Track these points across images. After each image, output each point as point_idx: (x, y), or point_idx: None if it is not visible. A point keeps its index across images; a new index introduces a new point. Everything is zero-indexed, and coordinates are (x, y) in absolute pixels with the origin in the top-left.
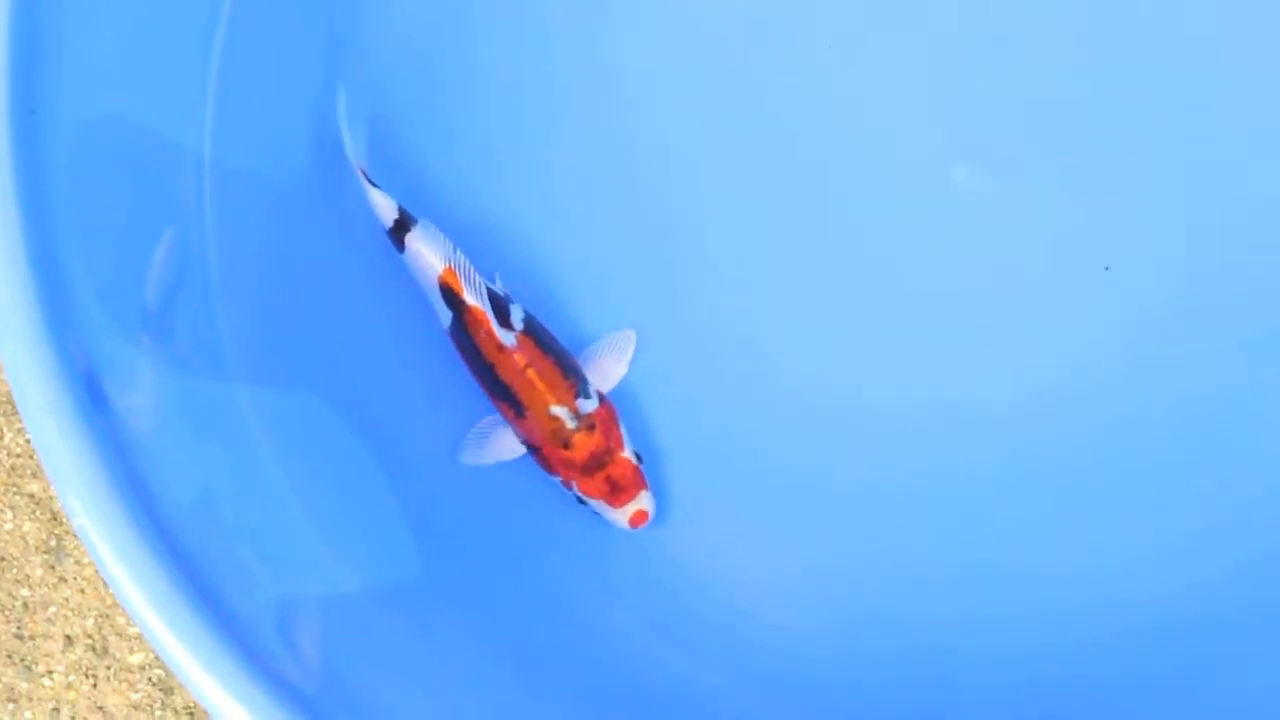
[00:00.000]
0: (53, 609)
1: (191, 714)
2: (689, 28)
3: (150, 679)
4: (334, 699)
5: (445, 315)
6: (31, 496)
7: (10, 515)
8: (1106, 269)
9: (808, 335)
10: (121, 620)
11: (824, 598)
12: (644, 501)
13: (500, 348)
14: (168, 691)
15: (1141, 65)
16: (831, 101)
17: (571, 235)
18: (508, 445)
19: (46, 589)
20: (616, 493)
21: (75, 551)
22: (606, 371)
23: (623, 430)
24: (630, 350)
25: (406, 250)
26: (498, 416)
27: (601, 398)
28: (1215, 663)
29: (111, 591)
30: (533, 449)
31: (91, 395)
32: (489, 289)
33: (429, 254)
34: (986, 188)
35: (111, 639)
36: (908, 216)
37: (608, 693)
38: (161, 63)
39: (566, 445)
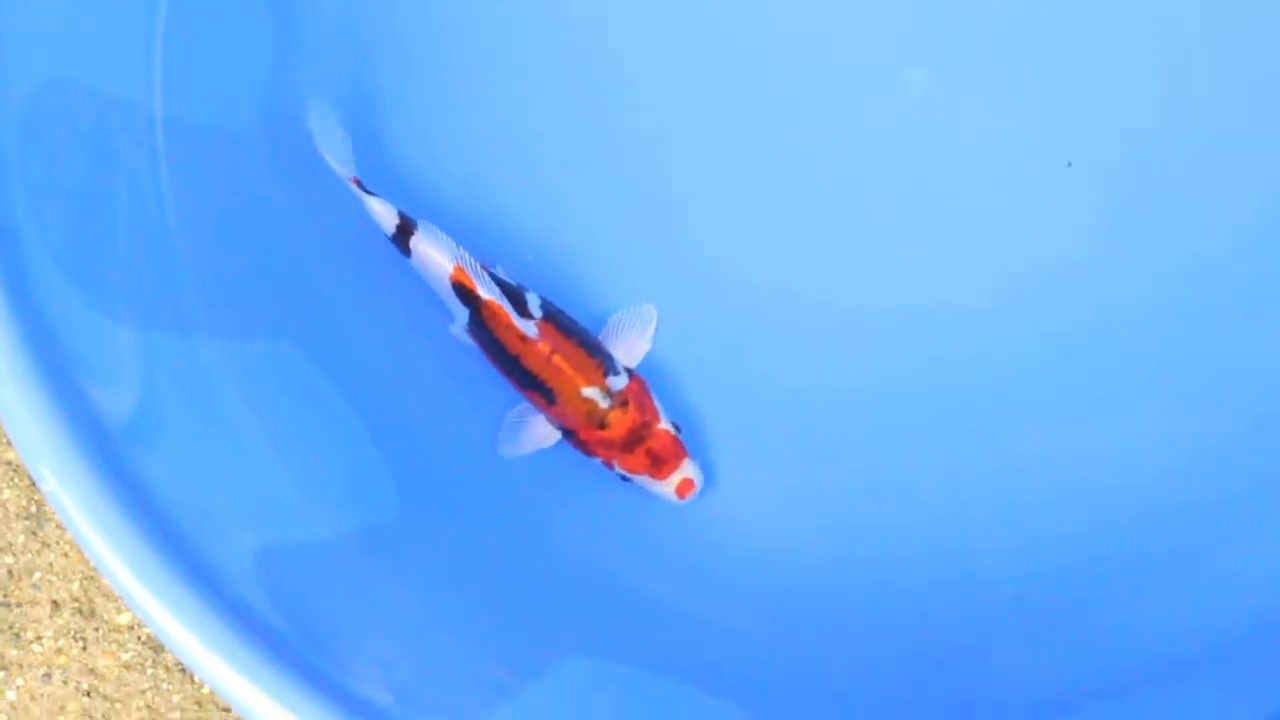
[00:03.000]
0: (37, 574)
1: (183, 669)
2: None
3: (139, 638)
4: (315, 645)
5: (461, 313)
6: (9, 464)
7: None
8: (1069, 165)
9: (784, 245)
10: (106, 582)
11: (817, 509)
12: (688, 470)
13: (523, 338)
14: (158, 649)
15: None
16: (788, 10)
17: (548, 191)
18: (543, 432)
19: (30, 555)
20: (659, 465)
21: (56, 516)
22: (630, 346)
23: (656, 401)
24: (653, 324)
25: (413, 254)
26: (527, 405)
27: (630, 372)
28: (1208, 545)
29: None
30: (568, 434)
31: (53, 358)
32: (501, 281)
33: (436, 255)
34: (945, 91)
35: (98, 600)
36: (868, 124)
37: (590, 624)
38: (106, 22)
39: (603, 425)
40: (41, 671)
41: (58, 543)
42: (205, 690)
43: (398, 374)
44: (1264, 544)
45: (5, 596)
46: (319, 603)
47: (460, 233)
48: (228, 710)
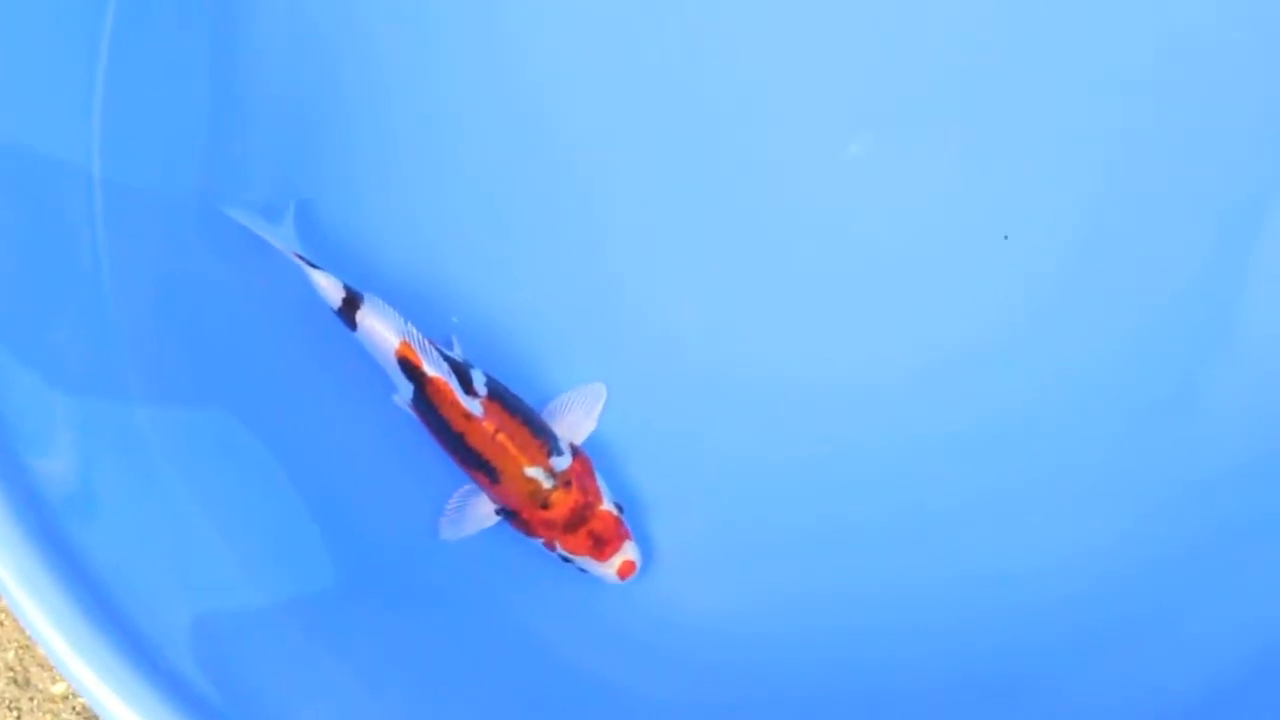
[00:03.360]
0: None
1: None
2: (584, 13)
3: (74, 708)
4: (250, 717)
5: (406, 388)
6: None
7: None
8: (1005, 238)
9: (723, 318)
10: (41, 651)
11: (757, 581)
12: (629, 552)
13: (467, 416)
14: (93, 719)
15: (1033, 35)
16: (728, 81)
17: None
18: (484, 512)
19: None
20: (600, 547)
21: None
22: (575, 425)
23: (600, 482)
24: (600, 403)
25: (359, 328)
26: (472, 486)
27: (575, 451)
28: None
29: None
30: (510, 515)
31: None
32: (448, 357)
33: (382, 329)
34: (883, 162)
35: (33, 670)
36: (806, 194)
37: (532, 702)
38: (44, 81)
39: (545, 505)
40: None
41: None
42: None
43: (337, 443)
44: (1188, 620)
45: None
46: (254, 674)
47: (403, 304)
48: None
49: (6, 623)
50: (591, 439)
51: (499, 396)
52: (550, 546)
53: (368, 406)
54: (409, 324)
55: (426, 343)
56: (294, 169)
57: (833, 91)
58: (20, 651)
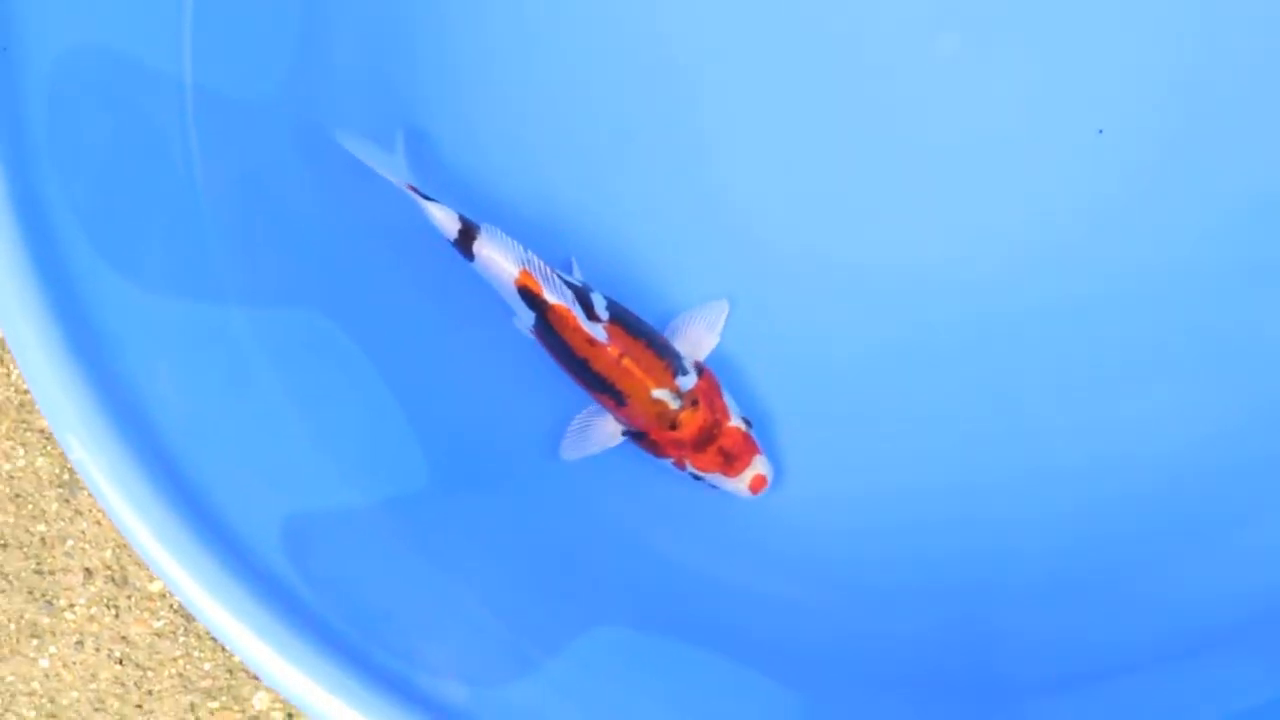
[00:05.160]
0: (70, 542)
1: (214, 638)
2: None
3: (171, 606)
4: (342, 615)
5: (527, 316)
6: (42, 432)
7: (22, 452)
8: (1100, 132)
9: (828, 220)
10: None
11: (850, 476)
12: (760, 466)
13: (591, 342)
14: (190, 618)
15: None
16: None
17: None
18: (609, 432)
19: (63, 523)
20: (731, 463)
21: (89, 488)
22: (698, 342)
23: (726, 398)
24: (722, 319)
25: (476, 259)
26: (592, 409)
27: (700, 369)
28: (1233, 517)
29: None
30: (638, 436)
31: (81, 327)
32: (568, 282)
33: (501, 259)
34: (975, 56)
35: (130, 569)
36: (898, 91)
37: (618, 593)
38: None
39: (674, 426)
40: (74, 639)
41: (90, 510)
42: (237, 659)
43: (429, 344)
44: (1264, 523)
45: (39, 564)
46: (346, 573)
47: (517, 232)
48: (259, 679)
49: (103, 522)
50: (715, 354)
51: (621, 319)
52: (680, 466)
53: (458, 307)
54: (529, 251)
55: (548, 269)
56: (388, 80)
57: None
58: (117, 550)
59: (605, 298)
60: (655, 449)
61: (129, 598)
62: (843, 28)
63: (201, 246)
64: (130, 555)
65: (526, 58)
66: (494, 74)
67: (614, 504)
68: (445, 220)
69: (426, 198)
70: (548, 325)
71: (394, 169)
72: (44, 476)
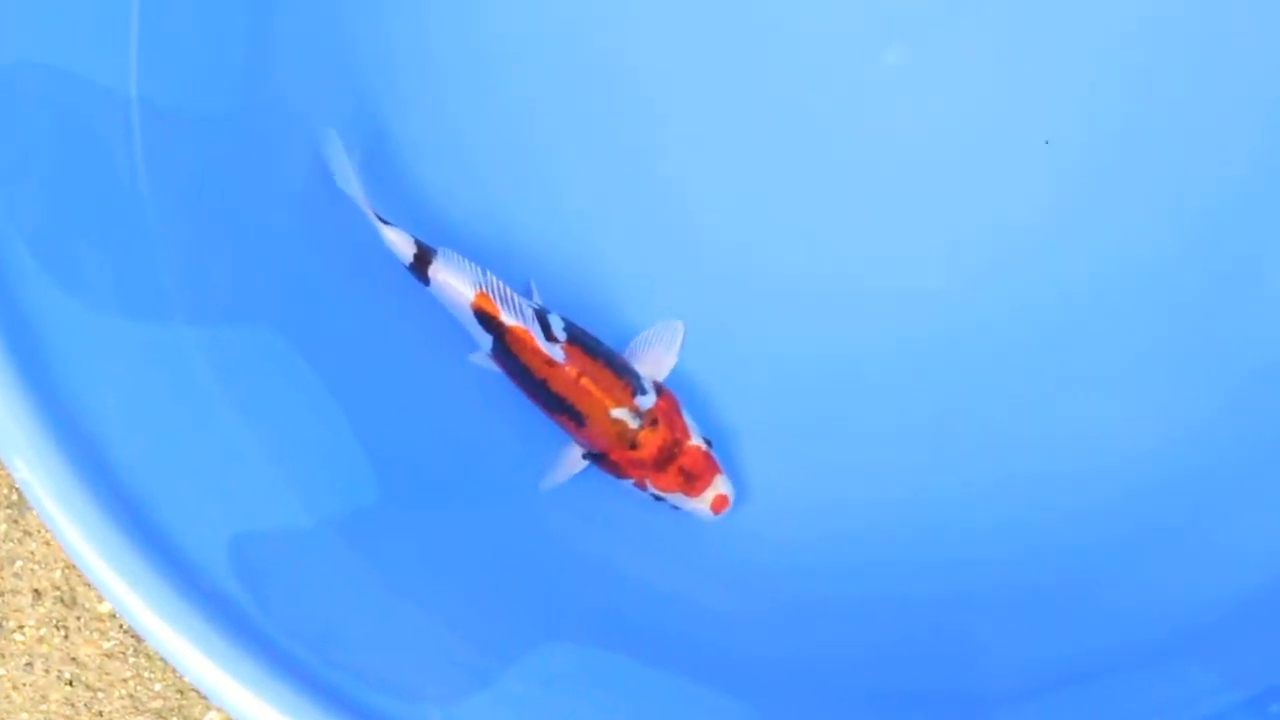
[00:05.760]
0: (19, 563)
1: (165, 659)
2: None
3: (121, 626)
4: (292, 633)
5: (485, 339)
6: None
7: None
8: (1047, 143)
9: (759, 225)
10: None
11: (809, 488)
12: (721, 485)
13: (549, 362)
14: (139, 639)
15: None
16: None
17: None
18: (573, 458)
19: (11, 544)
20: (691, 482)
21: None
22: (657, 362)
23: (686, 417)
24: (679, 339)
25: (432, 283)
26: (563, 437)
27: (659, 389)
28: (1189, 522)
29: None
30: (599, 457)
31: (26, 345)
32: (525, 304)
33: (456, 283)
34: (921, 69)
35: (80, 589)
36: (847, 104)
37: (574, 610)
38: (79, 3)
39: (633, 445)
40: (24, 660)
41: (39, 531)
42: (187, 679)
43: (380, 361)
44: (1245, 520)
45: None
46: (296, 592)
47: (472, 256)
48: (209, 700)
49: (53, 542)
50: (674, 375)
51: (579, 340)
52: (641, 486)
53: (406, 321)
54: (487, 272)
55: (506, 290)
56: (336, 100)
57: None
58: (66, 570)
59: (563, 319)
60: (616, 470)
61: (79, 619)
62: (792, 41)
63: (149, 263)
64: (79, 576)
65: (477, 78)
66: (445, 94)
67: (567, 520)
68: (401, 244)
69: (384, 221)
70: (505, 348)
71: (353, 185)
72: None
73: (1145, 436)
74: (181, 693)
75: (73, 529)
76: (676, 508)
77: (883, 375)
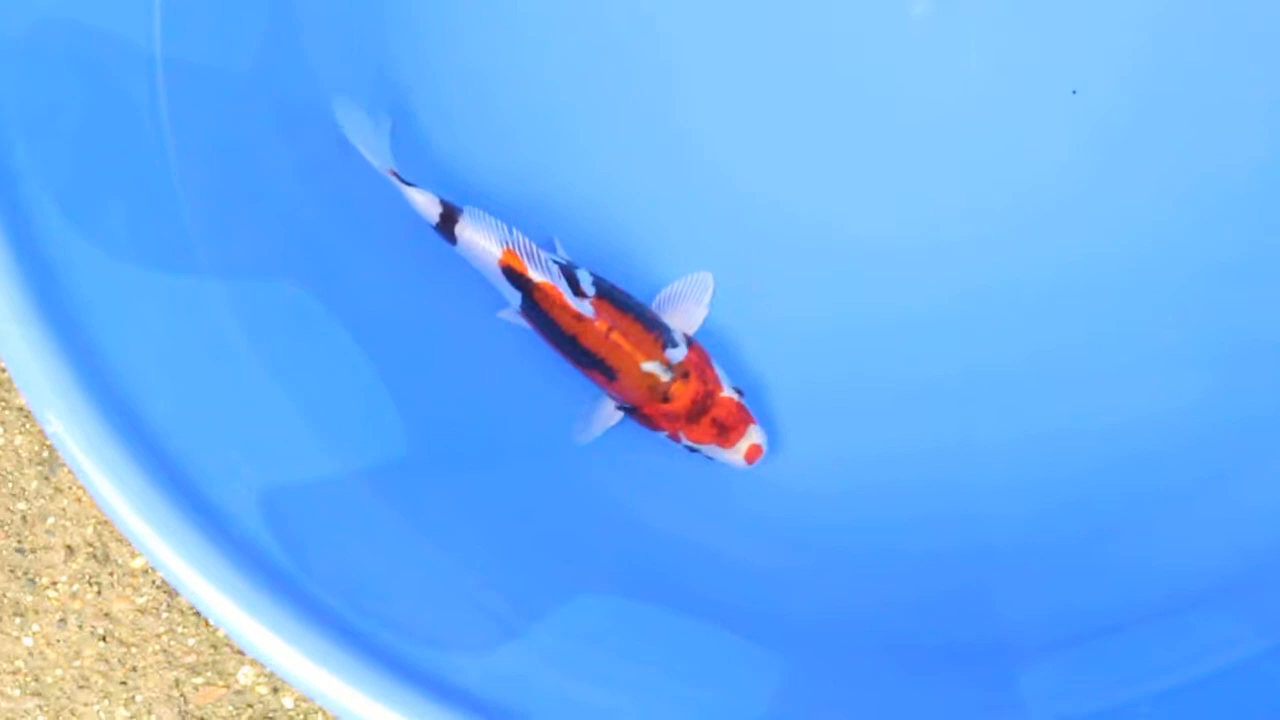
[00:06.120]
0: (51, 520)
1: (198, 613)
2: None
3: (154, 582)
4: (324, 584)
5: (513, 296)
6: (21, 409)
7: (1, 430)
8: (1074, 93)
9: (785, 178)
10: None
11: (822, 442)
12: (754, 435)
13: (578, 318)
14: (173, 593)
15: None
16: None
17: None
18: (608, 412)
19: (43, 500)
20: (725, 433)
21: (68, 463)
22: (688, 315)
23: (718, 369)
24: (709, 290)
25: (459, 242)
26: (596, 390)
27: (689, 341)
28: (1214, 479)
29: None
30: (632, 410)
31: (57, 300)
32: (553, 260)
33: (483, 241)
34: (946, 21)
35: (112, 545)
36: (872, 57)
37: (603, 560)
38: None
39: (666, 398)
40: (57, 617)
41: (70, 487)
42: (220, 634)
43: (406, 311)
44: (1266, 477)
45: (20, 542)
46: (328, 542)
47: (498, 214)
48: (243, 653)
49: (84, 499)
50: (706, 326)
51: (608, 295)
52: (675, 438)
53: (433, 273)
54: (513, 230)
55: (533, 247)
56: (361, 59)
57: None
58: (99, 526)
59: (591, 274)
60: (649, 423)
61: (111, 574)
62: None
63: (175, 218)
64: (112, 532)
65: (500, 35)
66: (468, 53)
67: (599, 472)
68: (426, 205)
69: (407, 183)
70: (535, 304)
71: (377, 152)
72: (23, 454)
73: (1171, 392)
74: (215, 647)
75: (104, 481)
76: (711, 459)
77: (909, 329)
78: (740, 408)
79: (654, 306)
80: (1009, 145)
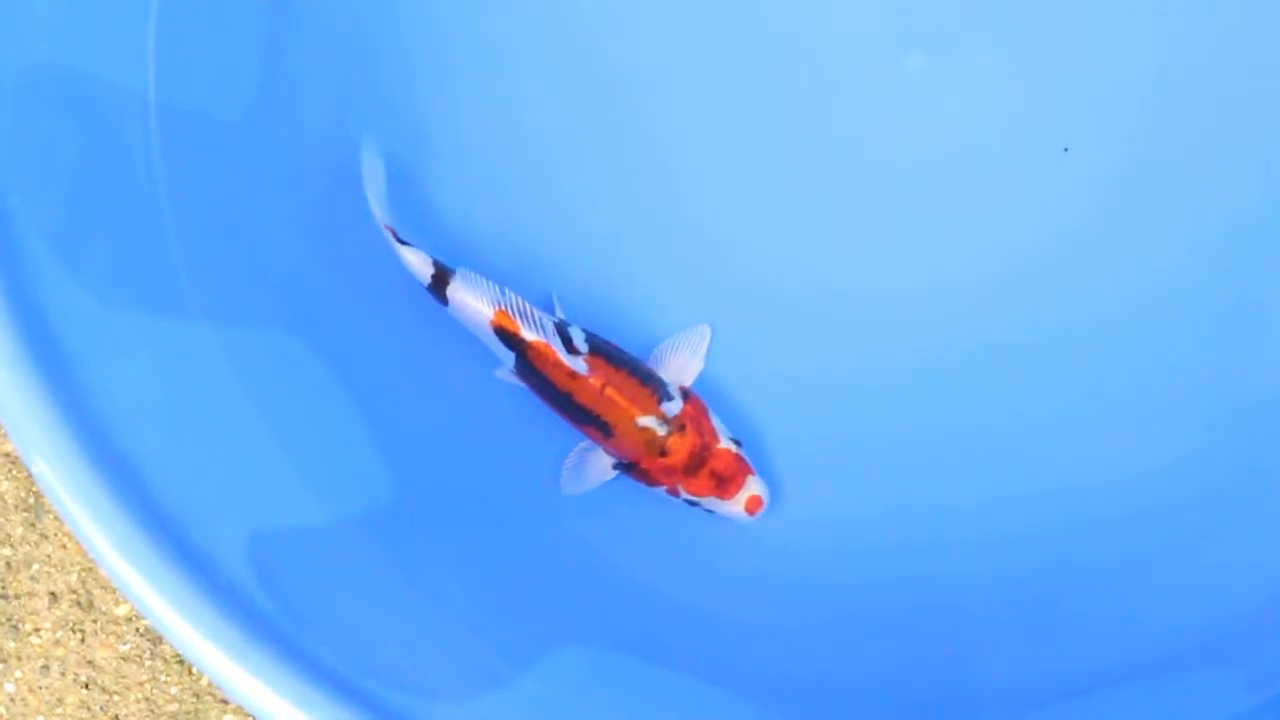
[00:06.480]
0: (35, 566)
1: (181, 661)
2: None
3: (138, 629)
4: (310, 631)
5: (507, 357)
6: (7, 455)
7: None
8: (1065, 150)
9: (779, 231)
10: (104, 573)
11: (800, 492)
12: (754, 486)
13: (572, 375)
14: (156, 641)
15: None
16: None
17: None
18: (603, 466)
19: (28, 547)
20: (724, 485)
21: (55, 508)
22: (683, 368)
23: (715, 420)
24: (705, 343)
25: (451, 303)
26: (587, 442)
27: (685, 394)
28: (1196, 539)
29: None
30: (630, 467)
31: (47, 343)
32: (547, 319)
33: (475, 302)
34: (941, 75)
35: (96, 592)
36: (866, 111)
37: (590, 614)
38: (100, 6)
39: (663, 452)
40: (40, 664)
41: (56, 534)
42: (204, 682)
43: (397, 362)
44: (1249, 538)
45: (4, 588)
46: (313, 588)
47: (490, 269)
48: (225, 703)
49: (69, 545)
50: (700, 379)
51: (601, 351)
52: (674, 493)
53: (422, 322)
54: (505, 289)
55: (525, 305)
56: (350, 100)
57: (891, 3)
58: (83, 574)
59: (584, 330)
60: (647, 478)
61: (95, 622)
62: (812, 49)
63: (166, 263)
64: (96, 579)
65: (493, 92)
66: (463, 108)
67: (587, 526)
68: (419, 265)
69: (402, 241)
70: (528, 363)
71: (380, 205)
72: (9, 500)
73: (1152, 451)
74: (197, 695)
75: (90, 524)
76: (711, 511)
77: (900, 384)
78: (738, 459)
79: (650, 361)
80: (1001, 201)
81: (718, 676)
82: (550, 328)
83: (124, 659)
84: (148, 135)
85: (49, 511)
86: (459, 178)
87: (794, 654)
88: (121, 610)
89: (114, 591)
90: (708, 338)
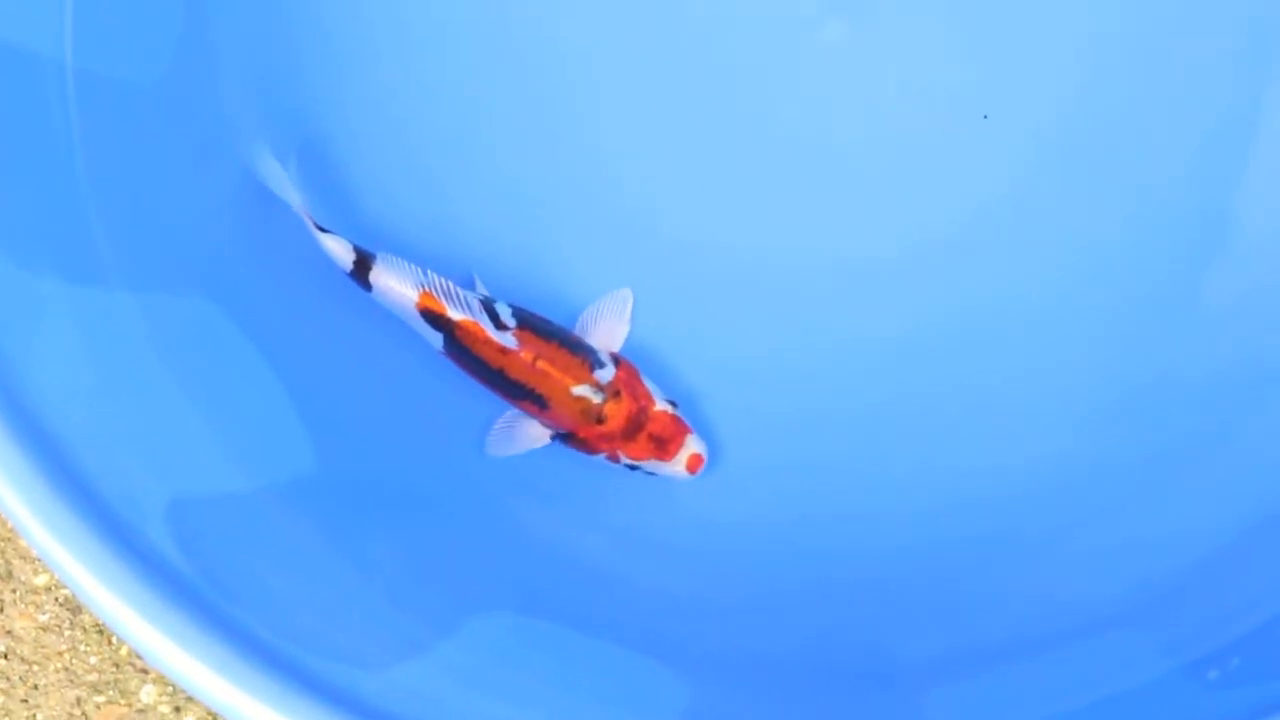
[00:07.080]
0: None
1: (100, 631)
2: None
3: (57, 599)
4: (230, 597)
5: (435, 339)
6: None
7: None
8: (985, 117)
9: (698, 200)
10: (24, 543)
11: (723, 462)
12: (693, 445)
13: (503, 350)
14: (76, 610)
15: None
16: None
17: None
18: (535, 434)
19: None
20: (663, 447)
21: None
22: (610, 333)
23: (648, 383)
24: (628, 307)
25: (374, 288)
26: (516, 411)
27: (617, 359)
28: (1107, 512)
29: None
30: (568, 437)
31: None
32: (471, 297)
33: (399, 285)
34: (859, 44)
35: (15, 562)
36: (785, 79)
37: (513, 581)
38: None
39: (600, 420)
40: None
41: None
42: (123, 651)
43: (313, 327)
44: (1166, 507)
45: None
46: (236, 557)
47: (409, 249)
48: (146, 672)
49: None
50: (629, 343)
51: (529, 324)
52: (614, 459)
53: (339, 289)
54: (428, 271)
55: (449, 285)
56: (269, 69)
57: None
58: (2, 544)
59: (510, 305)
60: (586, 446)
61: (14, 591)
62: (732, 17)
63: (84, 229)
64: (14, 549)
65: (411, 64)
66: (380, 82)
67: (509, 493)
68: (340, 252)
69: (322, 229)
70: (457, 343)
71: (293, 197)
72: None
73: (1077, 426)
74: (117, 665)
75: (8, 492)
76: (652, 474)
77: (820, 354)
78: (675, 420)
79: (576, 329)
80: (922, 170)
81: (640, 645)
82: (476, 305)
83: (43, 629)
84: (65, 100)
85: None
86: (378, 159)
87: (716, 624)
88: (41, 580)
89: (33, 561)
90: (630, 301)
